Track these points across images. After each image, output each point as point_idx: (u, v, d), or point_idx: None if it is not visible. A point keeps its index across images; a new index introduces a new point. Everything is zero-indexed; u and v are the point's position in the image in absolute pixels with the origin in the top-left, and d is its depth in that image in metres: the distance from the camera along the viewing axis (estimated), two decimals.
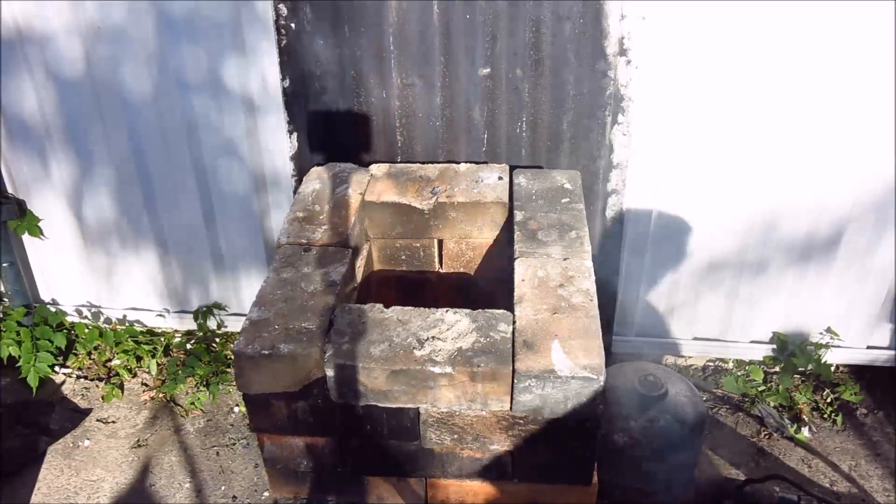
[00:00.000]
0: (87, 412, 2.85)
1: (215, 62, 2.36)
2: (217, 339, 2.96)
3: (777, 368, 2.72)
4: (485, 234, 2.16)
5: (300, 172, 2.39)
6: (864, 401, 2.79)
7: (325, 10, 2.13)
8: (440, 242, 2.19)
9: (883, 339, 2.71)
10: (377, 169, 2.27)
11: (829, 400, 2.75)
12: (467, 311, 1.73)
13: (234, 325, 2.94)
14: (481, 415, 1.66)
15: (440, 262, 2.23)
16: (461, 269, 2.23)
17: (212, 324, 2.90)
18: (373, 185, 2.19)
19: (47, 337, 2.85)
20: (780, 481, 2.44)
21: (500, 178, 2.20)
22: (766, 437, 2.67)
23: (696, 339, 2.76)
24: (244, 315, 2.17)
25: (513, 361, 1.59)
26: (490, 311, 1.73)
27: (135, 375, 2.99)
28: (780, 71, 2.21)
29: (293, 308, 1.74)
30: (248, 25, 2.24)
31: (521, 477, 1.76)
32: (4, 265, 2.82)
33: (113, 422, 2.81)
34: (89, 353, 2.97)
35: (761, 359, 2.74)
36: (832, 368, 2.75)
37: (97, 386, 2.95)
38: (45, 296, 3.02)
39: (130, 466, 2.64)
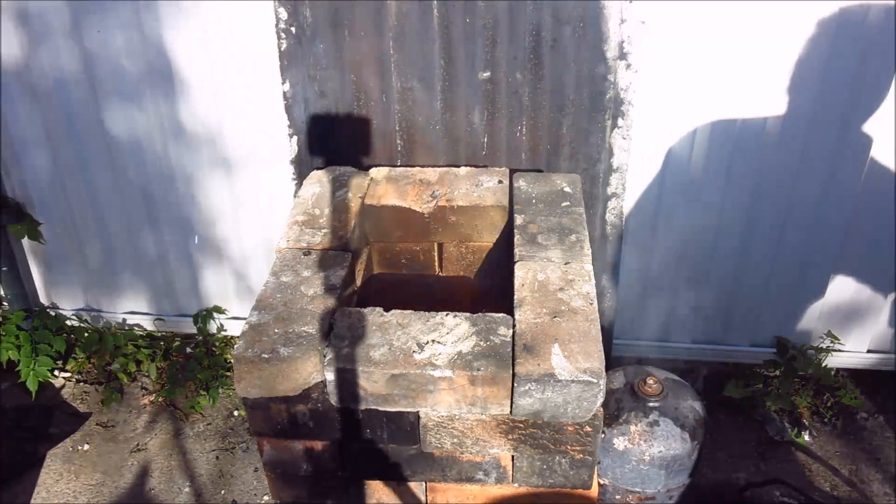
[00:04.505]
0: (86, 416, 2.85)
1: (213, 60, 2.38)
2: (217, 343, 2.96)
3: (777, 372, 2.72)
4: (485, 238, 2.16)
5: (300, 176, 2.39)
6: (864, 405, 2.79)
7: (324, 13, 2.14)
8: (440, 246, 2.19)
9: (883, 343, 2.71)
10: (377, 172, 2.27)
11: (829, 404, 2.75)
12: (467, 314, 1.73)
13: (234, 328, 2.94)
14: (481, 419, 1.65)
15: (440, 266, 2.23)
16: (461, 273, 2.23)
17: (211, 328, 2.90)
18: (373, 188, 2.19)
19: (47, 341, 2.84)
20: (780, 485, 2.44)
21: (500, 182, 2.20)
22: (767, 441, 2.66)
23: (696, 342, 2.75)
24: (244, 319, 2.17)
25: (513, 365, 1.58)
26: (490, 314, 1.73)
27: (134, 379, 2.98)
28: (779, 75, 2.21)
29: (293, 312, 1.74)
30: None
31: (521, 481, 1.75)
32: (4, 269, 2.81)
33: (112, 426, 2.81)
34: (89, 357, 2.97)
35: (762, 363, 2.74)
36: (833, 372, 2.75)
37: (97, 390, 2.95)
38: (45, 300, 3.02)
39: (130, 470, 2.63)
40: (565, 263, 1.86)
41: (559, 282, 1.80)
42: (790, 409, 2.69)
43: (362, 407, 1.66)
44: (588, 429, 1.64)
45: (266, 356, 1.63)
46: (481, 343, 1.64)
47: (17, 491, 2.55)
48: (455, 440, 1.69)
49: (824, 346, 2.66)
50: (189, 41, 2.33)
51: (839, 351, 2.70)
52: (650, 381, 2.15)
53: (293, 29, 2.18)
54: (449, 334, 1.67)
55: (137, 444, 2.73)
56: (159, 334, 3.00)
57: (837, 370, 2.82)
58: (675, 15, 2.14)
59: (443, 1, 2.07)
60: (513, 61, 2.16)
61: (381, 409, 1.66)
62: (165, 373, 2.90)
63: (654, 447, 2.08)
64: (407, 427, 1.69)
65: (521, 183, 2.19)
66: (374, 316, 1.74)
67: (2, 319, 2.85)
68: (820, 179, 2.35)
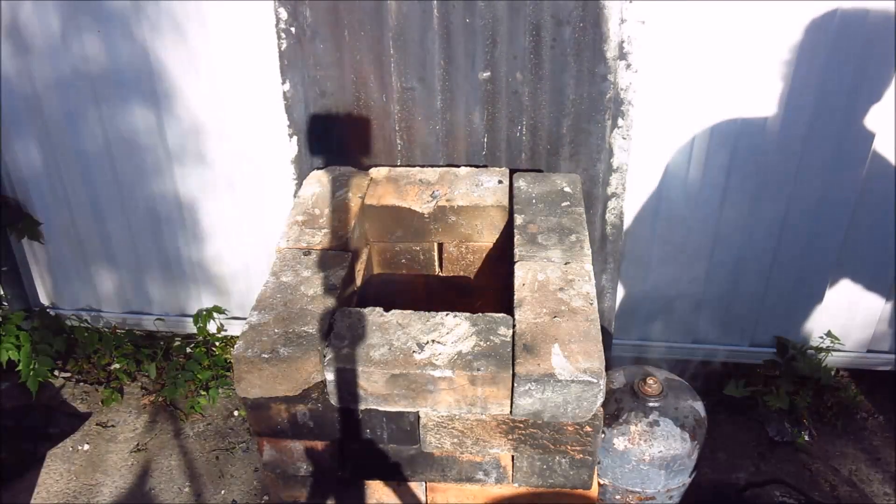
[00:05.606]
0: (86, 416, 2.85)
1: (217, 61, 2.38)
2: (217, 343, 2.96)
3: (777, 372, 2.72)
4: (485, 238, 2.15)
5: (300, 176, 2.39)
6: (864, 405, 2.79)
7: (325, 13, 2.13)
8: (440, 246, 2.19)
9: (883, 343, 2.71)
10: (377, 172, 2.27)
11: (829, 404, 2.75)
12: (467, 314, 1.73)
13: (234, 328, 2.94)
14: (481, 419, 1.65)
15: (440, 266, 2.23)
16: (461, 273, 2.23)
17: (211, 327, 2.90)
18: (373, 188, 2.19)
19: (47, 341, 2.84)
20: (780, 485, 2.44)
21: (500, 182, 2.20)
22: (767, 441, 2.66)
23: (696, 342, 2.75)
24: (244, 319, 2.17)
25: (513, 365, 1.58)
26: (490, 314, 1.73)
27: (134, 379, 2.98)
28: (779, 75, 2.21)
29: (293, 312, 1.74)
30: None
31: (521, 481, 1.75)
32: (4, 269, 2.81)
33: (112, 426, 2.81)
34: (89, 357, 2.97)
35: (762, 363, 2.74)
36: (833, 372, 2.75)
37: (97, 390, 2.94)
38: (45, 300, 3.02)
39: (130, 470, 2.63)
40: (565, 263, 1.86)
41: (559, 282, 1.80)
42: (790, 409, 2.69)
43: (362, 407, 1.66)
44: (588, 429, 1.64)
45: (266, 356, 1.63)
46: (481, 343, 1.64)
47: (17, 491, 2.55)
48: (455, 440, 1.69)
49: (824, 346, 2.66)
50: (189, 40, 2.33)
51: (839, 351, 2.70)
52: (650, 381, 2.15)
53: (293, 29, 2.18)
54: (449, 334, 1.67)
55: (137, 444, 2.73)
56: (159, 334, 3.00)
57: (837, 370, 2.82)
58: (675, 15, 2.14)
59: (443, 1, 2.07)
60: (513, 61, 2.16)
61: (381, 409, 1.66)
62: (165, 373, 2.89)
63: (654, 447, 2.08)
64: (407, 427, 1.69)
65: (521, 183, 2.19)
66: (374, 316, 1.73)
67: (2, 319, 2.85)
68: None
